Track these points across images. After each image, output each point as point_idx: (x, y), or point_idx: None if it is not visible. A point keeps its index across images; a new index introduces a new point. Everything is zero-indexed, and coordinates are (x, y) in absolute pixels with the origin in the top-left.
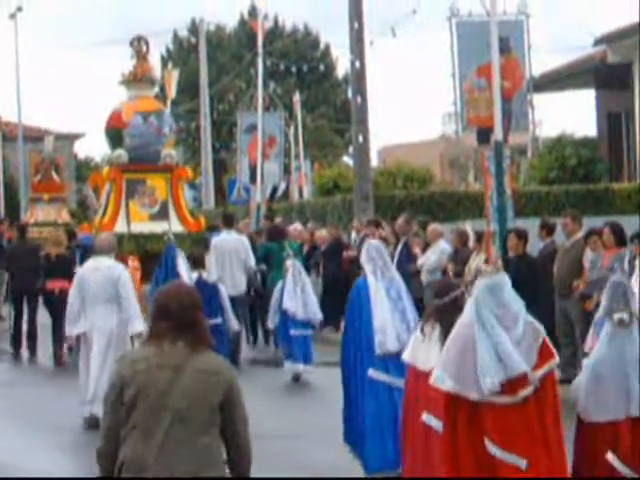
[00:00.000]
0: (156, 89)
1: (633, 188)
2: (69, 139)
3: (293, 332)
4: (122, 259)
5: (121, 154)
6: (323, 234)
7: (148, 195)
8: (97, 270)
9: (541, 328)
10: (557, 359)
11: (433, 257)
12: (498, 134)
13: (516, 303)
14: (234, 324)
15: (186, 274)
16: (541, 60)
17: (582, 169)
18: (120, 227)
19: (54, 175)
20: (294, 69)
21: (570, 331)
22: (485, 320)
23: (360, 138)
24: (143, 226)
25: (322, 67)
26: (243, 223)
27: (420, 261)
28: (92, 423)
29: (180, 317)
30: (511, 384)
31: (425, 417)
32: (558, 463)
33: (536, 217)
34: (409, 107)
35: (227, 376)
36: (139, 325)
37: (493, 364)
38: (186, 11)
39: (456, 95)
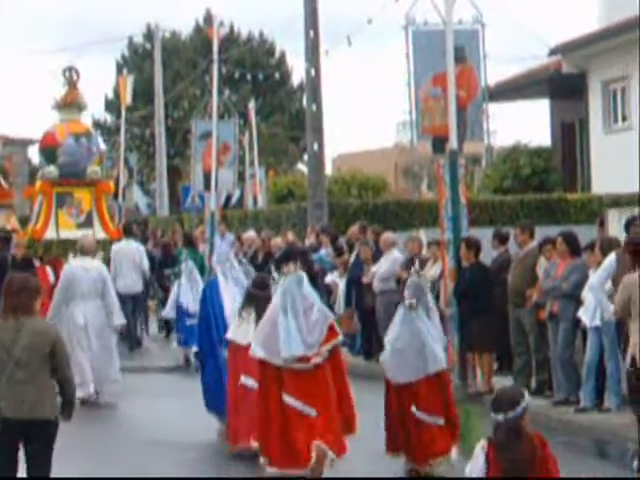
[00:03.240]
0: (84, 113)
1: (586, 198)
2: (22, 145)
3: (188, 322)
4: (54, 262)
5: (52, 170)
6: (278, 242)
7: (75, 206)
8: (88, 270)
9: (330, 313)
10: (341, 337)
11: (385, 265)
12: (453, 143)
13: (312, 293)
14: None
15: None
16: (496, 69)
17: (536, 179)
18: (50, 234)
19: (1, 181)
20: (249, 76)
21: (524, 340)
22: (290, 306)
23: (315, 146)
24: (70, 233)
25: (277, 75)
26: (199, 231)
27: (373, 269)
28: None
29: (22, 296)
30: (306, 354)
31: (243, 379)
32: (347, 413)
33: (490, 226)
34: (364, 115)
35: (53, 334)
36: (120, 318)
37: (296, 341)
38: (141, 17)
39: (411, 104)
